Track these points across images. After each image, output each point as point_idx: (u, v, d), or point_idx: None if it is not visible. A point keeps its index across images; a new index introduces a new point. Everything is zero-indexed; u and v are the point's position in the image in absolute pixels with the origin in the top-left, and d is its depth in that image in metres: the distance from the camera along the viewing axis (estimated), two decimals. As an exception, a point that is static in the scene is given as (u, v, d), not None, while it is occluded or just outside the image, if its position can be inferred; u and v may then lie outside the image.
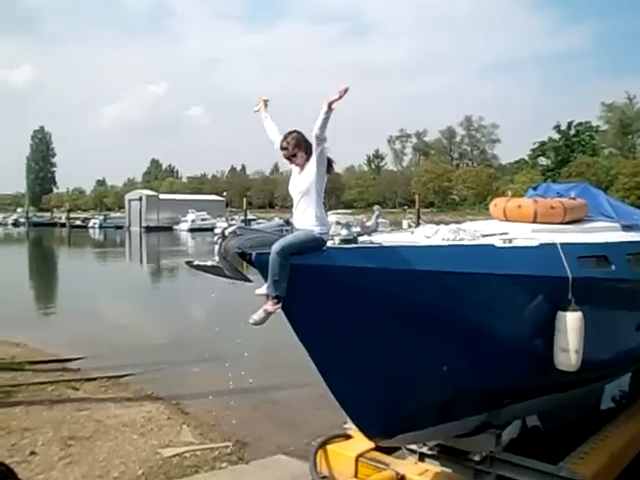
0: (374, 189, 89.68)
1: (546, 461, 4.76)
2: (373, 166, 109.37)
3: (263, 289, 3.39)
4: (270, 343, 9.80)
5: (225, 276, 3.72)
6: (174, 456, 6.19)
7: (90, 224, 78.14)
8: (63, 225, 76.96)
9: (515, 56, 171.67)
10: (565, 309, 4.29)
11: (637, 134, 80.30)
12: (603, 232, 5.79)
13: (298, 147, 3.70)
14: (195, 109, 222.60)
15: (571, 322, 4.26)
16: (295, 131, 3.79)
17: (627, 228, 6.31)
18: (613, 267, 4.95)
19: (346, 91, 3.41)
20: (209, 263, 3.79)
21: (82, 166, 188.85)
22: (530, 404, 5.09)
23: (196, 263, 4.01)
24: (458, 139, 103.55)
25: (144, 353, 10.79)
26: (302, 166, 3.75)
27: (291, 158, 3.73)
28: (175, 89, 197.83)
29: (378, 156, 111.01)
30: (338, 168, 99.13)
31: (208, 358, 10.52)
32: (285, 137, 3.77)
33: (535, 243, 4.53)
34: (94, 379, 9.07)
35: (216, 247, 3.62)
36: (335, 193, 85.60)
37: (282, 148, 3.75)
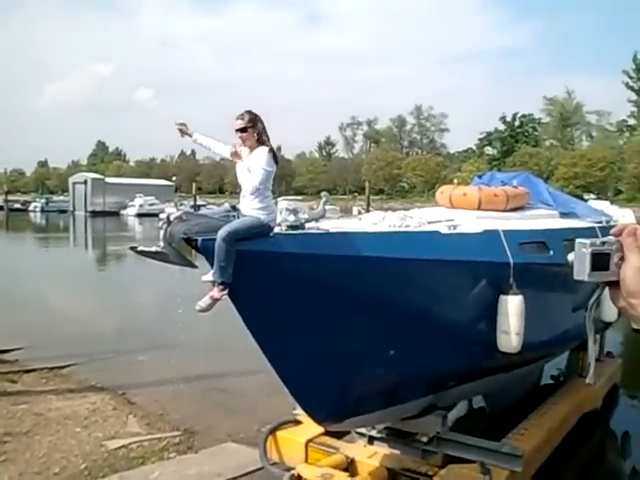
0: (325, 176, 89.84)
1: (491, 439, 4.94)
2: (324, 153, 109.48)
3: (209, 275, 3.34)
4: (219, 330, 9.76)
5: (170, 262, 3.65)
6: (120, 448, 6.06)
7: (31, 207, 74.91)
8: (0, 208, 73.45)
9: (467, 50, 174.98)
10: (507, 293, 4.42)
11: (575, 127, 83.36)
12: (542, 219, 5.99)
13: (252, 123, 3.65)
14: (144, 91, 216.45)
15: (512, 305, 4.40)
16: (255, 112, 3.75)
17: (565, 215, 6.55)
18: (551, 252, 5.13)
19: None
20: (154, 249, 3.70)
21: (22, 146, 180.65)
22: (475, 385, 5.24)
23: (140, 249, 3.92)
24: (408, 128, 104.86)
25: (88, 343, 10.47)
26: (251, 149, 3.70)
27: (242, 133, 3.66)
28: (123, 70, 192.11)
29: (329, 143, 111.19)
30: (289, 154, 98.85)
31: (155, 346, 10.37)
32: (244, 111, 3.72)
33: (479, 230, 4.64)
34: (33, 370, 8.71)
35: (161, 232, 3.54)
36: (285, 179, 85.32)
37: (236, 118, 3.70)
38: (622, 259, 1.22)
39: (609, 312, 6.05)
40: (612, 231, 1.26)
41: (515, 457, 4.63)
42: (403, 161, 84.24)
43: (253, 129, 3.67)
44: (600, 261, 1.22)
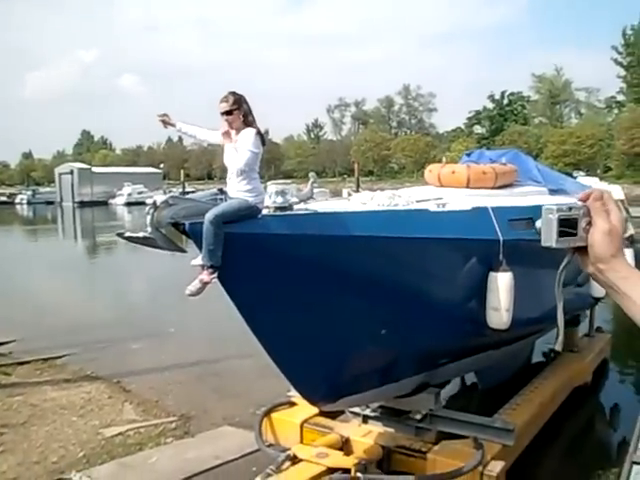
0: (313, 159, 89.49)
1: (484, 415, 5.00)
2: (312, 135, 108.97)
3: (198, 259, 3.34)
4: (211, 315, 9.78)
5: (158, 247, 3.64)
6: (117, 435, 6.09)
7: (17, 200, 74.06)
8: (-14, 202, 72.55)
9: (454, 27, 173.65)
10: (496, 270, 4.45)
11: (564, 104, 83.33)
12: (531, 196, 6.00)
13: (237, 105, 3.62)
14: (129, 77, 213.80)
15: (502, 282, 4.43)
16: (239, 93, 3.72)
17: (554, 192, 6.56)
18: (541, 229, 5.15)
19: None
20: (141, 234, 3.68)
21: (4, 138, 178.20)
22: (466, 363, 5.29)
23: (127, 235, 3.90)
24: (396, 108, 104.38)
25: (81, 333, 10.45)
26: (238, 131, 3.68)
27: (228, 116, 3.64)
28: (107, 56, 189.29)
29: (317, 125, 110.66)
30: (277, 138, 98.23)
31: (148, 334, 10.38)
32: (227, 93, 3.69)
33: (468, 207, 4.65)
34: (27, 362, 8.68)
35: (148, 217, 3.52)
36: (274, 163, 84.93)
37: (221, 101, 3.67)
38: (590, 224, 1.22)
39: (598, 287, 6.11)
40: (579, 196, 1.26)
41: (507, 431, 4.69)
42: (392, 142, 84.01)
43: (239, 111, 3.64)
44: (568, 227, 1.21)
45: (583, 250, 1.25)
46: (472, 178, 5.72)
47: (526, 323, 5.29)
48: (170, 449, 5.83)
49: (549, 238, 1.23)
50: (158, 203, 3.45)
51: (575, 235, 1.22)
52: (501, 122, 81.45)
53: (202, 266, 3.32)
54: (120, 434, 6.12)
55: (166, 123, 3.89)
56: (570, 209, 1.21)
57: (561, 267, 1.31)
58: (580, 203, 1.23)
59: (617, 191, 9.26)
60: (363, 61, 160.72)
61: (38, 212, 60.46)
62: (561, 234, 1.21)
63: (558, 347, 1.62)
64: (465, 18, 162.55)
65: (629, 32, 68.70)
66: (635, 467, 4.22)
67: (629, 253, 6.44)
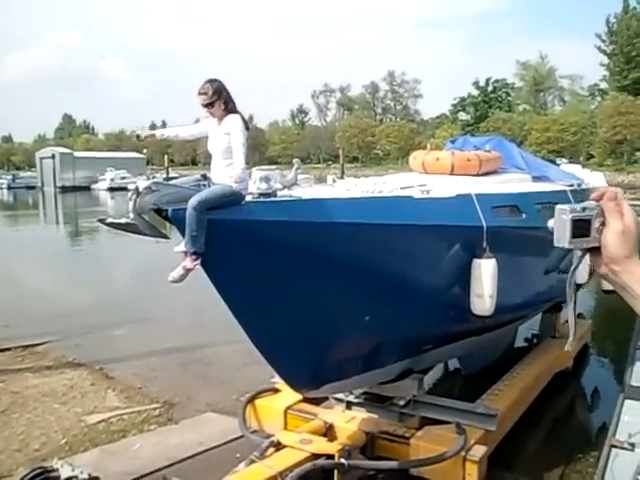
0: (298, 145, 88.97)
1: (467, 400, 5.05)
2: (297, 121, 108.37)
3: (181, 246, 3.30)
4: (195, 301, 9.73)
5: (141, 233, 3.60)
6: (99, 422, 6.06)
7: (-3, 184, 73.13)
8: (-35, 187, 71.30)
9: (440, 14, 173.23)
10: (480, 257, 4.47)
11: (548, 92, 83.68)
12: (515, 183, 6.03)
13: (217, 95, 3.58)
14: (112, 61, 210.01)
15: (485, 269, 4.45)
16: (215, 80, 3.66)
17: (537, 179, 6.60)
18: (524, 216, 5.18)
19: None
20: (123, 220, 3.64)
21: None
22: (450, 349, 5.33)
23: (109, 221, 3.85)
24: (381, 94, 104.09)
25: (63, 319, 10.36)
26: (220, 118, 3.65)
27: (208, 107, 3.60)
28: (90, 38, 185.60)
29: (302, 111, 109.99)
30: (261, 124, 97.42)
31: (132, 320, 10.32)
32: (204, 83, 3.64)
33: (451, 194, 4.65)
34: (8, 349, 8.59)
35: (130, 203, 3.47)
36: (259, 149, 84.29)
37: (199, 93, 3.62)
38: (603, 224, 1.20)
39: (580, 274, 6.18)
40: (592, 196, 1.22)
41: (489, 417, 4.74)
42: (377, 128, 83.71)
43: (219, 101, 3.61)
44: (581, 227, 1.19)
45: (596, 251, 1.22)
46: (456, 165, 5.73)
47: (509, 310, 5.34)
48: (153, 436, 5.81)
49: (562, 238, 1.20)
50: (141, 189, 3.41)
51: (588, 236, 1.20)
52: (485, 109, 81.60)
53: (185, 252, 3.29)
54: (103, 421, 6.09)
55: (145, 137, 3.92)
56: (583, 209, 1.19)
57: (572, 268, 1.28)
58: (594, 203, 1.21)
59: (599, 178, 9.35)
60: (348, 47, 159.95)
61: (19, 197, 59.66)
62: (574, 234, 1.19)
63: (568, 347, 1.61)
64: (450, 4, 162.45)
65: (612, 20, 69.11)
66: (614, 450, 4.30)
67: None
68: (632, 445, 4.32)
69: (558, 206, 1.20)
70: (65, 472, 4.11)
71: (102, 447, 5.51)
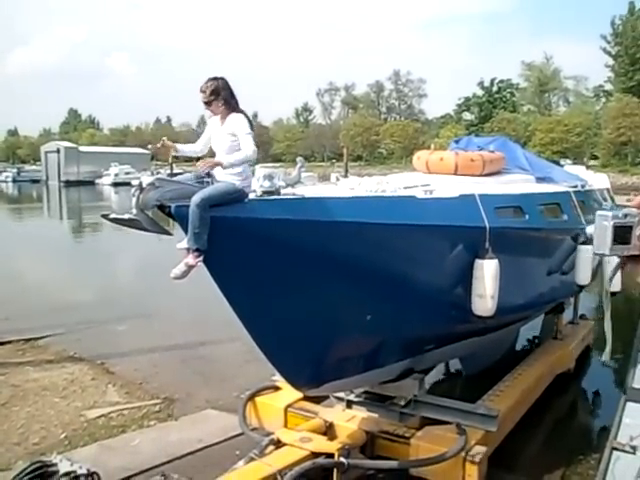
0: (302, 143, 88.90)
1: (468, 401, 5.03)
2: (302, 119, 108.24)
3: (184, 243, 3.29)
4: (197, 297, 9.73)
5: (144, 229, 3.59)
6: (99, 417, 6.07)
7: (2, 177, 72.84)
8: (-31, 179, 71.30)
9: (445, 13, 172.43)
10: (482, 257, 4.45)
11: (553, 92, 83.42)
12: (519, 184, 6.01)
13: (215, 95, 3.58)
14: (117, 56, 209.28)
15: (488, 270, 4.43)
16: (217, 78, 3.65)
17: (541, 180, 6.58)
18: (527, 217, 5.16)
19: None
20: (126, 216, 3.63)
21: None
22: (451, 349, 5.31)
23: (113, 216, 3.84)
24: (386, 93, 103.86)
25: (65, 313, 10.39)
26: (223, 117, 3.64)
27: (209, 106, 3.61)
28: (95, 34, 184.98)
29: (307, 109, 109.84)
30: (266, 121, 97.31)
31: (134, 315, 10.33)
32: (206, 81, 3.63)
33: (455, 194, 4.63)
34: (9, 342, 8.61)
35: (133, 199, 3.46)
36: (263, 147, 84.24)
37: (200, 91, 3.63)
38: None
39: (583, 275, 6.16)
40: (632, 203, 1.20)
41: (490, 418, 4.72)
42: (381, 127, 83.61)
43: (217, 100, 3.60)
44: (622, 234, 1.16)
45: (636, 258, 1.20)
46: (460, 165, 5.72)
47: (511, 310, 5.32)
48: (153, 432, 5.82)
49: (603, 245, 1.17)
50: (144, 185, 3.40)
51: (629, 243, 1.17)
52: (490, 109, 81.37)
53: (187, 249, 3.28)
54: (103, 416, 6.10)
55: (167, 147, 3.80)
56: (625, 216, 1.16)
57: (609, 276, 1.27)
58: (635, 210, 1.18)
59: (603, 179, 9.32)
60: (354, 46, 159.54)
61: (23, 190, 59.76)
62: (615, 241, 1.16)
63: (605, 357, 1.58)
64: (456, 3, 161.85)
65: (617, 22, 68.87)
66: (615, 453, 4.28)
67: None
68: (634, 448, 4.29)
69: (599, 212, 1.17)
70: (64, 467, 4.11)
71: (101, 442, 5.52)
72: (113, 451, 5.32)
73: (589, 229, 1.20)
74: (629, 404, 5.08)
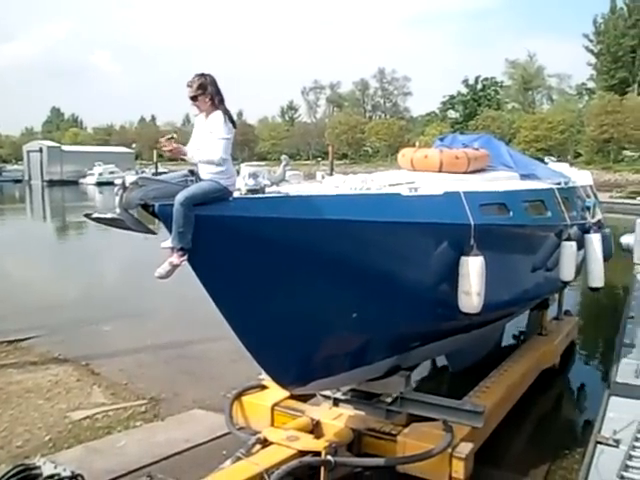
0: (288, 141, 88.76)
1: (454, 397, 5.06)
2: (287, 118, 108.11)
3: (168, 242, 3.27)
4: (183, 297, 9.68)
5: (128, 229, 3.55)
6: (84, 419, 6.02)
7: (-17, 178, 72.05)
8: (-50, 179, 70.14)
9: (430, 11, 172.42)
10: (467, 254, 4.47)
11: (537, 90, 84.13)
12: (503, 181, 6.04)
13: (202, 90, 3.54)
14: (101, 54, 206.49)
15: (473, 266, 4.45)
16: (205, 74, 3.62)
17: (525, 177, 6.63)
18: (511, 214, 5.20)
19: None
20: (109, 215, 3.59)
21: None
22: (437, 346, 5.34)
23: (95, 215, 3.80)
24: (371, 91, 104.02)
25: (49, 314, 10.28)
26: (208, 114, 3.61)
27: (194, 101, 3.57)
28: (78, 31, 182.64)
29: (292, 107, 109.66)
30: (251, 120, 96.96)
31: (119, 315, 10.25)
32: (194, 76, 3.60)
33: (439, 192, 4.65)
34: (-8, 344, 8.52)
35: (117, 198, 3.43)
36: (248, 145, 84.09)
37: (187, 86, 3.59)
38: None
39: (567, 271, 6.22)
40: None
41: (476, 414, 4.75)
42: (366, 125, 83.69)
43: (204, 95, 3.56)
44: None
45: None
46: (445, 162, 5.73)
47: (497, 307, 5.35)
48: (139, 433, 5.78)
49: None
50: (127, 184, 3.36)
51: None
52: (475, 107, 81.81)
53: (172, 248, 3.26)
54: (88, 417, 6.05)
55: (179, 152, 3.61)
56: None
57: None
58: None
59: (586, 176, 9.42)
60: (339, 44, 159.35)
61: (5, 190, 58.91)
62: None
63: None
64: (441, 2, 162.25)
65: (599, 20, 69.73)
66: (599, 447, 4.33)
67: (597, 237, 6.56)
68: (617, 441, 4.35)
69: (639, 220, 1.13)
70: (47, 469, 4.05)
71: (87, 444, 5.47)
72: (98, 453, 5.27)
73: (624, 239, 1.19)
74: (613, 398, 5.16)
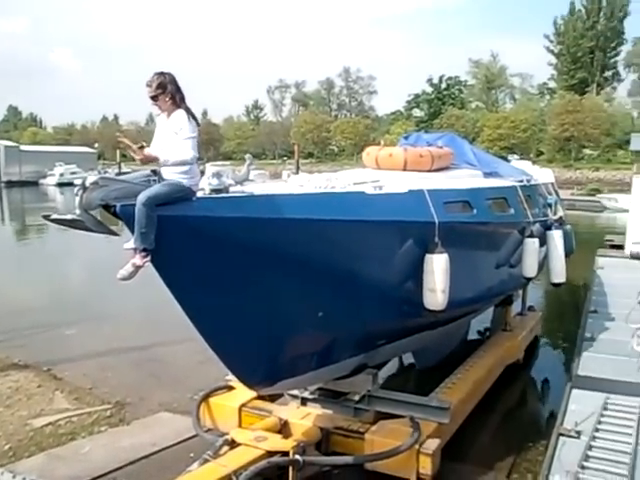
0: (253, 140, 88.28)
1: (421, 394, 5.11)
2: (252, 117, 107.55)
3: (131, 243, 3.21)
4: (148, 299, 9.53)
5: (88, 230, 3.47)
6: (46, 425, 5.87)
7: None
8: None
9: (395, 10, 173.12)
10: (432, 252, 4.51)
11: (499, 89, 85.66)
12: (467, 179, 6.12)
13: (162, 89, 3.49)
14: (60, 51, 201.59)
15: (438, 264, 4.50)
16: (164, 72, 3.56)
17: (488, 175, 6.72)
18: (475, 211, 5.27)
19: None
20: (69, 217, 3.50)
21: None
22: (404, 343, 5.38)
23: (54, 217, 3.70)
24: (337, 90, 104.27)
25: (9, 319, 9.98)
26: (169, 113, 3.56)
27: (154, 101, 3.52)
28: (36, 27, 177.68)
29: (257, 107, 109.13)
30: (216, 119, 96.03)
31: (83, 319, 10.04)
32: (152, 75, 3.54)
33: (404, 190, 4.68)
34: (-52, 352, 8.22)
35: (77, 199, 3.34)
36: (213, 145, 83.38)
37: (146, 85, 3.53)
38: None
39: (529, 268, 6.34)
40: None
41: (443, 410, 4.81)
42: (332, 124, 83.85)
43: (164, 94, 3.51)
44: None
45: None
46: (409, 161, 5.78)
47: (462, 304, 5.42)
48: (104, 438, 5.66)
49: None
50: (87, 184, 3.28)
51: None
52: (439, 106, 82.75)
53: (134, 249, 3.20)
54: (50, 424, 5.90)
55: (150, 159, 3.48)
56: None
57: None
58: None
59: (548, 174, 9.63)
60: (304, 42, 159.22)
61: (-40, 192, 57.09)
62: None
63: None
64: (406, 0, 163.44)
65: (559, 21, 71.43)
66: (562, 438, 4.44)
67: (558, 234, 6.70)
68: (578, 433, 4.47)
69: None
70: None
71: (49, 451, 5.34)
72: (61, 460, 5.15)
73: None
74: (574, 391, 5.29)
